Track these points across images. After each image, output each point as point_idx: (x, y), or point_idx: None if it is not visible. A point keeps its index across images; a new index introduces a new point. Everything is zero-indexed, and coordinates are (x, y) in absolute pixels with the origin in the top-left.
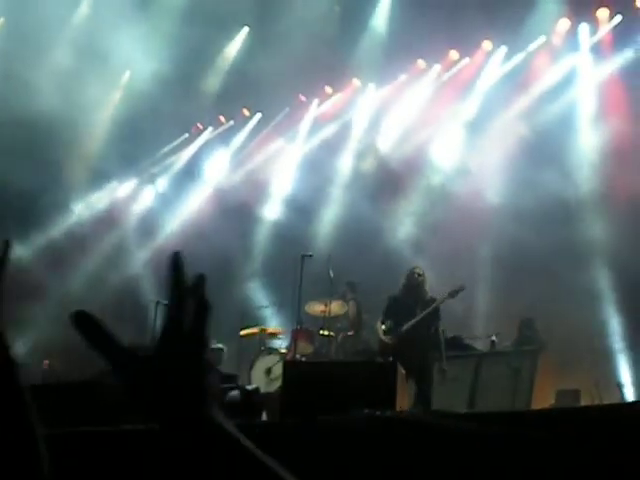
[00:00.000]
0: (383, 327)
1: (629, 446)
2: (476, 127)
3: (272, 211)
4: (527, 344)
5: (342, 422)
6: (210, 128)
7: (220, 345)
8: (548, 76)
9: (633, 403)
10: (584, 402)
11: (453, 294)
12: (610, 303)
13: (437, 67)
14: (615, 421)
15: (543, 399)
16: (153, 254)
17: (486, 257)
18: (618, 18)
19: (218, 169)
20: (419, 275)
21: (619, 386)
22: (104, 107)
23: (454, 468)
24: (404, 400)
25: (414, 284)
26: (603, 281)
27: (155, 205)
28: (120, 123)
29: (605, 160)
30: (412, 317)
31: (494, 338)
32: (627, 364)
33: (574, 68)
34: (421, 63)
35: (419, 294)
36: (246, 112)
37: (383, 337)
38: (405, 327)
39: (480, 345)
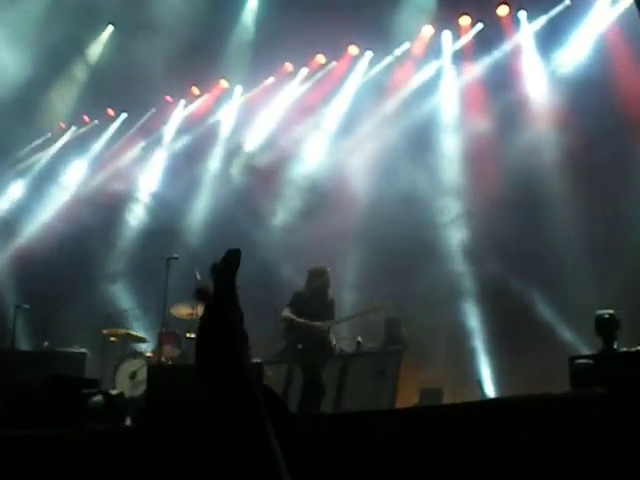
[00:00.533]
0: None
1: (488, 440)
2: (344, 130)
3: (137, 213)
4: (393, 344)
5: (205, 428)
6: (73, 128)
7: (83, 349)
8: (413, 81)
9: (491, 400)
10: (446, 400)
11: (374, 309)
12: (471, 302)
13: (304, 70)
14: (475, 417)
15: (407, 398)
16: (13, 257)
17: (354, 258)
18: (480, 26)
19: (81, 170)
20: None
21: (479, 383)
22: None
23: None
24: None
25: (324, 284)
26: (465, 280)
27: (15, 207)
28: None
29: (466, 160)
30: (316, 315)
31: (359, 339)
32: (486, 362)
33: (438, 73)
34: (288, 66)
35: (325, 294)
36: (111, 112)
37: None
38: (338, 320)
39: (346, 346)
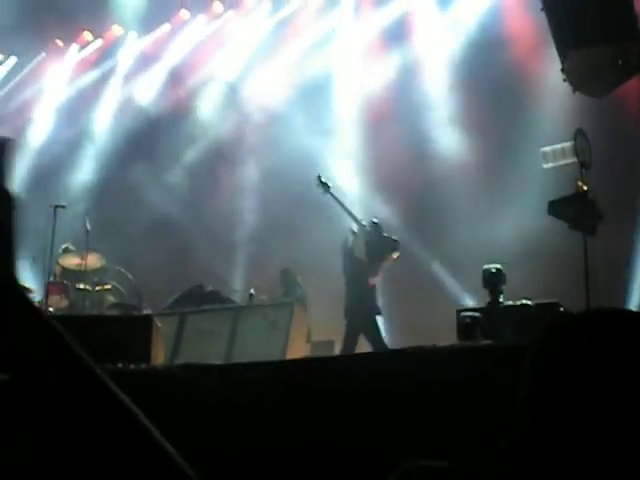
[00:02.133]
0: None
1: (377, 390)
2: (240, 81)
3: (25, 160)
4: (289, 297)
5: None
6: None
7: None
8: (311, 32)
9: (382, 352)
10: (337, 352)
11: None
12: None
13: (202, 17)
14: (365, 368)
15: (298, 350)
16: None
17: (249, 211)
18: None
19: None
20: None
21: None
22: None
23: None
24: (159, 354)
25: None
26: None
27: None
28: None
29: (364, 120)
30: None
31: (252, 291)
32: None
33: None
34: (184, 13)
35: None
36: None
37: None
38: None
39: (239, 299)
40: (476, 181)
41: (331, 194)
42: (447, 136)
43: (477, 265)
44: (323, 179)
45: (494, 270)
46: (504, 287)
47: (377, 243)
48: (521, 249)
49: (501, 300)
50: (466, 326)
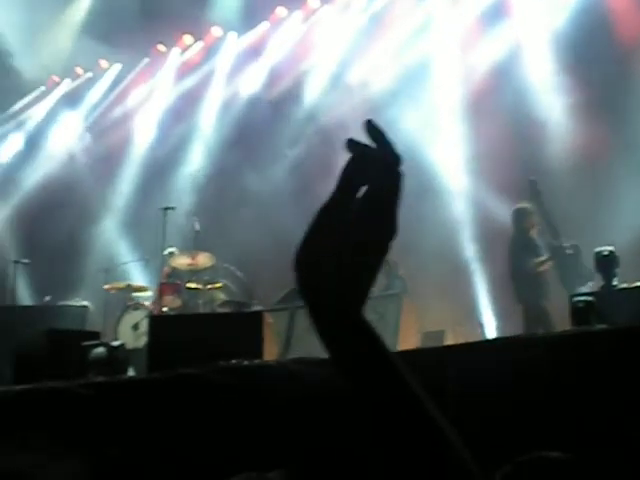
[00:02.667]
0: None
1: (490, 380)
2: (340, 74)
3: (134, 163)
4: (392, 288)
5: (208, 373)
6: (67, 80)
7: (84, 302)
8: (407, 21)
9: (493, 340)
10: (448, 342)
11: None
12: (470, 242)
13: (298, 14)
14: (478, 357)
15: (409, 342)
16: (12, 212)
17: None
18: None
19: (76, 122)
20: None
21: (480, 324)
22: None
23: (319, 413)
24: (272, 349)
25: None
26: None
27: (13, 162)
28: None
29: (467, 107)
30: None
31: None
32: (487, 302)
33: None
34: (281, 10)
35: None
36: (104, 64)
37: None
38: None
39: None
40: (588, 165)
41: (539, 202)
42: (555, 121)
43: (589, 249)
44: (538, 186)
45: (607, 253)
46: (617, 270)
47: (572, 269)
48: (635, 231)
49: (615, 283)
50: (580, 310)
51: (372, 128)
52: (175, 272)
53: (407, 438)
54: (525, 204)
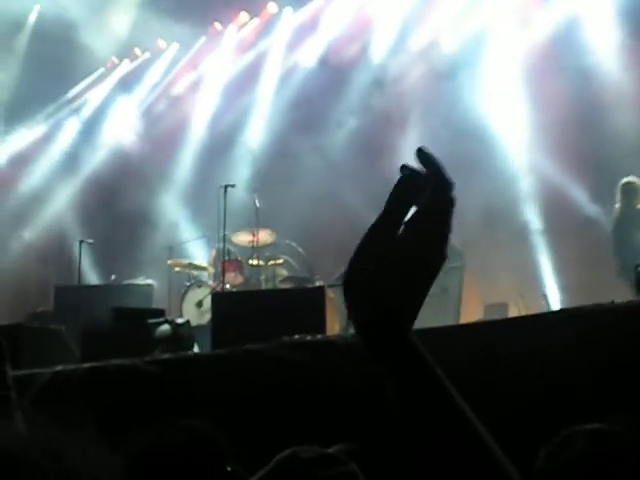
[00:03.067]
0: None
1: (556, 350)
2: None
3: (194, 141)
4: (451, 261)
5: (272, 348)
6: (126, 60)
7: (149, 281)
8: None
9: (558, 311)
10: (511, 314)
11: None
12: (532, 213)
13: None
14: (542, 329)
15: (472, 315)
16: (76, 193)
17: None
18: None
19: (136, 103)
20: None
21: (544, 296)
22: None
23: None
24: (334, 325)
25: None
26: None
27: (77, 141)
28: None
29: (526, 78)
30: None
31: None
32: (551, 273)
33: None
34: None
35: None
36: (162, 43)
37: None
38: None
39: None
40: None
41: None
42: (618, 91)
43: None
44: None
45: None
46: None
47: None
48: None
49: None
50: None
51: (423, 155)
52: (236, 249)
53: (453, 462)
54: (634, 178)
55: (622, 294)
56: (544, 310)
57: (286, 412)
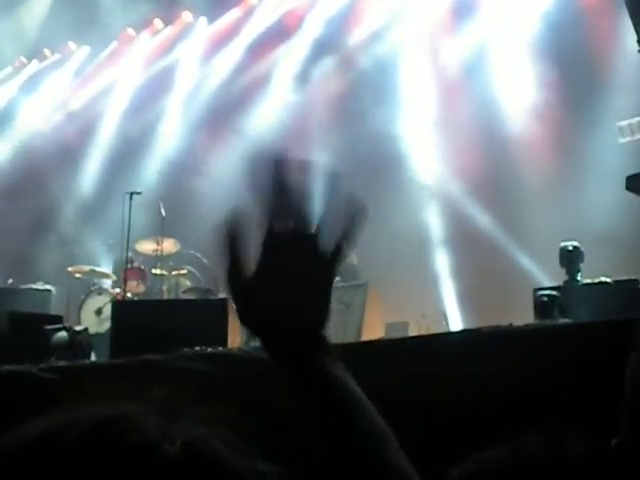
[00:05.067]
0: None
1: (451, 371)
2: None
3: (101, 147)
4: (352, 277)
5: (172, 359)
6: (35, 61)
7: (48, 286)
8: (376, 15)
9: (457, 332)
10: (412, 333)
11: None
12: (434, 237)
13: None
14: (440, 349)
15: (373, 332)
16: None
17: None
18: None
19: (41, 105)
20: None
21: (444, 316)
22: None
23: (283, 403)
24: (236, 337)
25: None
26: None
27: None
28: None
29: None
30: None
31: None
32: (452, 293)
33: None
34: None
35: None
36: (72, 46)
37: None
38: None
39: None
40: (551, 158)
41: None
42: (519, 113)
43: (554, 243)
44: None
45: (571, 248)
46: (582, 265)
47: None
48: (598, 226)
49: (579, 278)
50: (544, 305)
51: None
52: (139, 258)
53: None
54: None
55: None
56: (444, 330)
57: None
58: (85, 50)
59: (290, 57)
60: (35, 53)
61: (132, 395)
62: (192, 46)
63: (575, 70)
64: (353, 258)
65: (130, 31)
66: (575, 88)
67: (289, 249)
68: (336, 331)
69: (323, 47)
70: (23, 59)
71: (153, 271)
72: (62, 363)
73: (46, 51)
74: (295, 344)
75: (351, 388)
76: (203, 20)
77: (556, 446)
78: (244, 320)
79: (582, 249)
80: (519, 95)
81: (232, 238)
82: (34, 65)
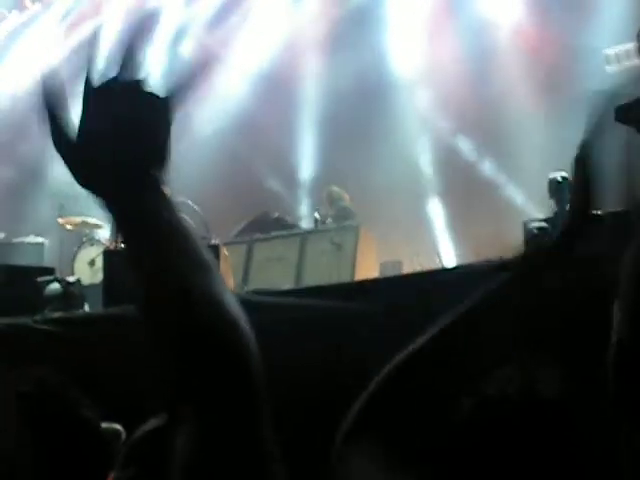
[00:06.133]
0: None
1: (443, 308)
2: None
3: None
4: (344, 218)
5: None
6: (15, 12)
7: (40, 239)
8: None
9: (450, 269)
10: (406, 272)
11: None
12: (425, 170)
13: None
14: (435, 285)
15: (367, 271)
16: None
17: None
18: None
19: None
20: None
21: (438, 254)
22: None
23: (278, 345)
24: (229, 282)
25: None
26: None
27: None
28: None
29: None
30: None
31: (317, 215)
32: (444, 230)
33: None
34: None
35: None
36: None
37: None
38: None
39: (305, 224)
40: (539, 88)
41: None
42: (506, 43)
43: (543, 175)
44: None
45: (560, 179)
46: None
47: None
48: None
49: (567, 209)
50: (534, 237)
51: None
52: None
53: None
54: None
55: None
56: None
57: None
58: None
59: None
60: (15, 4)
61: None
62: None
63: None
64: (345, 198)
65: None
66: (562, 16)
67: (113, 96)
68: (329, 272)
69: None
70: (4, 11)
71: None
72: (56, 315)
73: (26, 1)
74: (124, 185)
75: (175, 224)
76: None
77: (525, 381)
78: (78, 181)
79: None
80: (506, 22)
81: (49, 103)
82: (15, 16)
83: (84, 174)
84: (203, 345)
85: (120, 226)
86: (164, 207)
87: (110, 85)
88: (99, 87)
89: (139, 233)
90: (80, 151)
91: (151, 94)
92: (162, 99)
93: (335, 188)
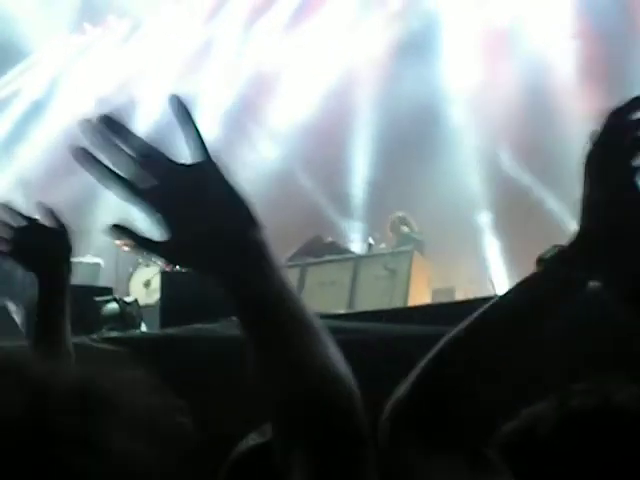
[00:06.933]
0: None
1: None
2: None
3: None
4: (404, 244)
5: (220, 328)
6: (74, 37)
7: (97, 259)
8: None
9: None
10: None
11: None
12: (482, 199)
13: None
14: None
15: (419, 299)
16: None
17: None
18: None
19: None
20: None
21: (491, 282)
22: None
23: None
24: None
25: None
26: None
27: (30, 109)
28: None
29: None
30: None
31: (371, 241)
32: (500, 260)
33: None
34: None
35: None
36: (113, 19)
37: None
38: None
39: (357, 249)
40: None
41: None
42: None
43: None
44: None
45: None
46: None
47: None
48: None
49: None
50: None
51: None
52: None
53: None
54: None
55: None
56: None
57: (234, 388)
58: (127, 23)
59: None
60: (74, 29)
61: None
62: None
63: (617, 23)
64: (411, 224)
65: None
66: (620, 42)
67: (163, 193)
68: (382, 297)
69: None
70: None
71: None
72: (114, 334)
73: (86, 25)
74: (222, 266)
75: (286, 306)
76: None
77: (601, 394)
78: (190, 268)
79: None
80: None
81: (126, 233)
82: (73, 42)
83: (191, 263)
84: (327, 425)
85: (244, 311)
86: (278, 279)
87: (173, 173)
88: (151, 189)
89: (269, 321)
90: (177, 245)
91: (200, 162)
92: (209, 161)
93: (400, 216)
